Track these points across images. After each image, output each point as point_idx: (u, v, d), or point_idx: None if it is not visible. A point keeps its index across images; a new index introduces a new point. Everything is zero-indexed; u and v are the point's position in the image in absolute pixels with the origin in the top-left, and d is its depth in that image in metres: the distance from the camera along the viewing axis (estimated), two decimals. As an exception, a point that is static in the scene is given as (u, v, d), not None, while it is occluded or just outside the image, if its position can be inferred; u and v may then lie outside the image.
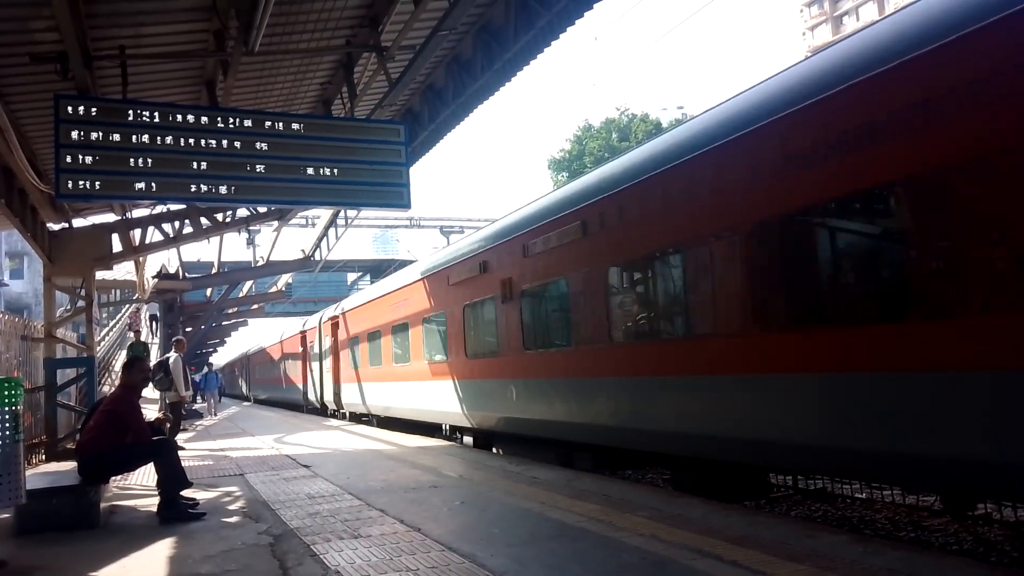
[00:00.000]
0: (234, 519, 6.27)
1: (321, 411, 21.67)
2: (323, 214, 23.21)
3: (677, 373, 6.58)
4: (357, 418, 18.44)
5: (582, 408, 8.02)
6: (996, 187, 4.14)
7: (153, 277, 22.86)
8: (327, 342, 20.04)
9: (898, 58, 4.66)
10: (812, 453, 5.28)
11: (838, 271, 5.37)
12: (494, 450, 10.95)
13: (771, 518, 5.27)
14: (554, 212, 8.48)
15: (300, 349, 23.65)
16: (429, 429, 13.60)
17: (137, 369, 7.11)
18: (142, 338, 26.64)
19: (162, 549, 5.32)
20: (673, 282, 7.08)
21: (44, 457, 11.21)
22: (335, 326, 19.24)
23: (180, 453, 7.55)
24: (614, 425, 7.45)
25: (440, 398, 12.01)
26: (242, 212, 15.65)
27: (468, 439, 11.83)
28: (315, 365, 21.65)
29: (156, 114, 7.52)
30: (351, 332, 17.74)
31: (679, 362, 6.58)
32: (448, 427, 12.84)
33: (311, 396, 22.32)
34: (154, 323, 28.30)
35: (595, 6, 8.61)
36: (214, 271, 25.25)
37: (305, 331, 23.15)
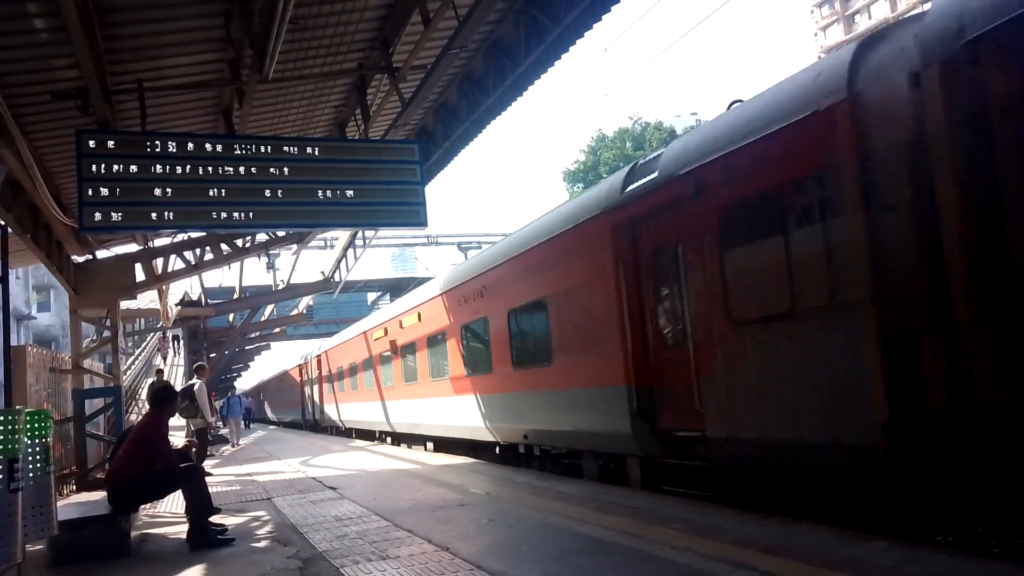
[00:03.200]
0: (263, 544, 6.27)
1: (312, 428, 28.45)
2: (341, 235, 23.34)
3: (483, 391, 11.59)
4: (337, 431, 24.34)
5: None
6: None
7: (176, 304, 23.12)
8: (315, 373, 26.95)
9: None
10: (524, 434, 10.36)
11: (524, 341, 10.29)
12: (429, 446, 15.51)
13: (807, 526, 5.16)
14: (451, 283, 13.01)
15: (298, 379, 31.08)
16: (440, 445, 14.98)
17: (166, 398, 7.19)
18: (168, 358, 27.15)
19: (193, 576, 5.33)
20: (480, 337, 11.71)
21: (75, 487, 11.31)
22: (319, 360, 26.09)
23: (208, 479, 7.58)
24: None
25: (383, 413, 17.71)
26: (261, 237, 15.79)
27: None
28: (307, 390, 28.73)
29: (175, 144, 7.63)
30: (332, 365, 23.85)
31: (481, 386, 11.64)
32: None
33: (306, 416, 29.55)
34: (177, 342, 28.89)
35: (604, 18, 8.65)
36: (236, 296, 25.48)
37: (302, 364, 29.98)
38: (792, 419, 5.51)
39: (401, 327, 15.63)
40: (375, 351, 18.14)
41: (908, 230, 4.68)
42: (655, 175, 7.05)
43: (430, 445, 15.43)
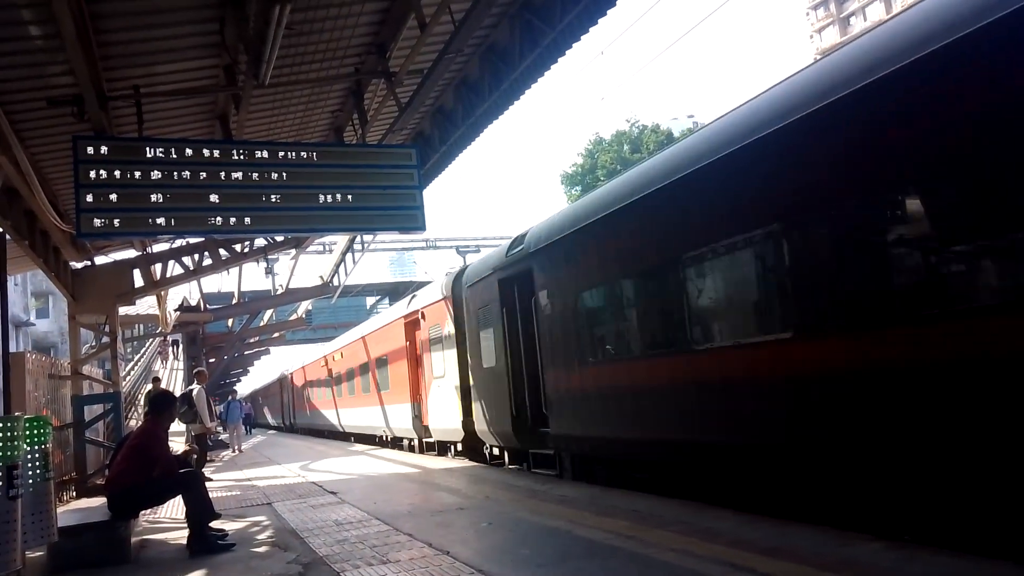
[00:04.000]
0: (263, 549, 6.27)
1: (290, 429, 35.82)
2: (340, 240, 23.36)
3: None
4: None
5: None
6: None
7: (175, 310, 23.12)
8: (289, 386, 34.99)
9: None
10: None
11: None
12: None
13: (803, 528, 5.17)
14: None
15: (278, 391, 38.67)
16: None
17: (165, 404, 7.19)
18: (168, 362, 27.19)
19: (192, 582, 5.33)
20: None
21: (74, 493, 11.30)
22: (291, 376, 33.97)
23: (208, 484, 7.58)
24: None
25: (334, 418, 24.63)
26: (260, 242, 15.80)
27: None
28: (284, 399, 36.85)
29: (171, 150, 7.63)
30: (304, 380, 30.56)
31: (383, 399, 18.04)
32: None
33: (285, 420, 36.99)
34: (176, 347, 29.00)
35: (599, 22, 8.66)
36: (234, 301, 25.47)
37: (281, 379, 37.84)
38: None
39: (338, 357, 23.47)
40: (320, 376, 26.43)
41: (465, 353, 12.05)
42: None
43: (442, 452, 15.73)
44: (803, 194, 5.41)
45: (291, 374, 34.35)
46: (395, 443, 17.97)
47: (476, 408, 11.64)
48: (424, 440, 15.21)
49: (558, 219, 9.32)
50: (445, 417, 13.18)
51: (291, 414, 35.57)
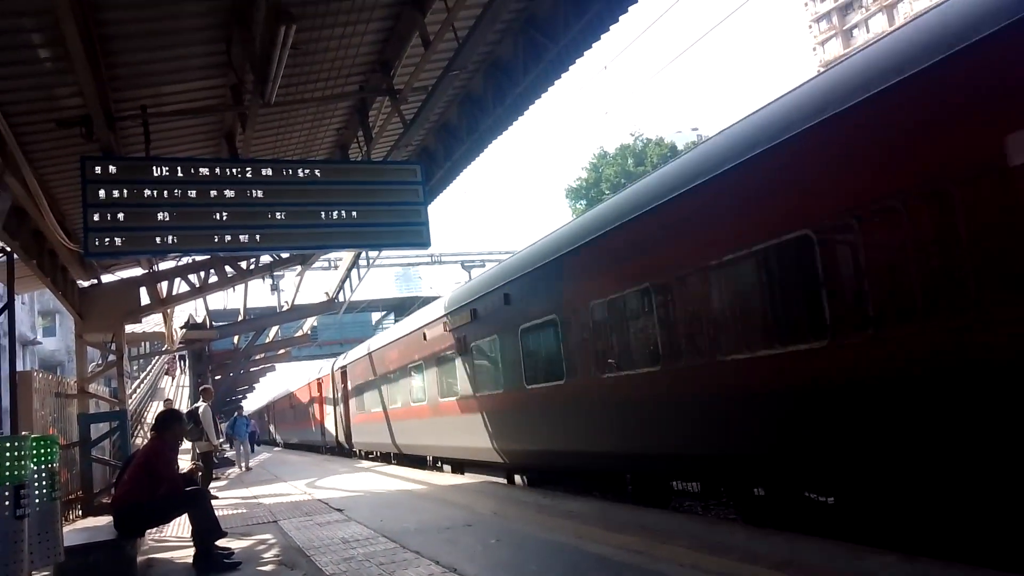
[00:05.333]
0: (269, 567, 6.24)
1: (272, 443, 42.67)
2: (345, 256, 23.41)
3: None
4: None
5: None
6: None
7: (181, 328, 23.15)
8: (274, 409, 41.99)
9: None
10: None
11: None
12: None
13: (814, 541, 5.13)
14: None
15: (266, 414, 45.71)
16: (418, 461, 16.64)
17: (172, 423, 7.20)
18: (176, 379, 27.32)
19: (199, 601, 5.30)
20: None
21: (81, 512, 11.29)
22: (278, 402, 40.24)
23: (213, 502, 7.56)
24: None
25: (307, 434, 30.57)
26: (265, 259, 15.85)
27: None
28: (267, 418, 44.92)
29: (178, 169, 7.68)
30: (278, 407, 39.93)
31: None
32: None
33: (271, 435, 43.62)
34: (183, 362, 29.02)
35: (602, 36, 8.70)
36: (240, 318, 25.49)
37: (268, 405, 45.24)
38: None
39: (316, 390, 27.27)
40: (291, 404, 33.56)
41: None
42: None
43: (447, 468, 15.61)
44: None
45: (273, 401, 41.24)
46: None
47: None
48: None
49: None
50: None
51: (275, 430, 39.96)
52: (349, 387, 21.44)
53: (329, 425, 25.00)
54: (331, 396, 24.29)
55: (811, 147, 5.38)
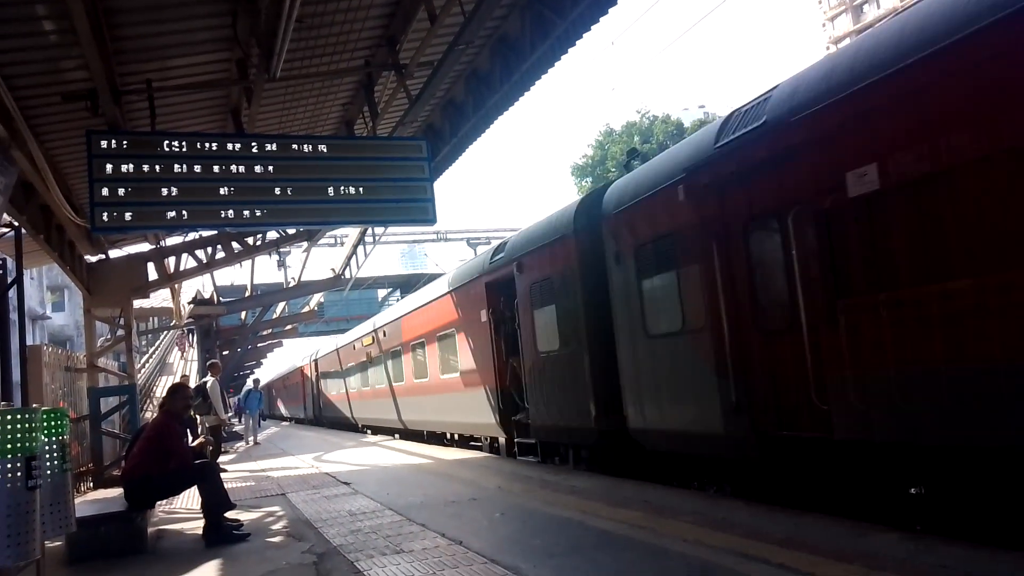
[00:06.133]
0: (278, 539, 6.33)
1: (269, 416, 46.40)
2: (351, 233, 23.42)
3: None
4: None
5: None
6: None
7: (189, 303, 23.27)
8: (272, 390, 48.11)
9: None
10: None
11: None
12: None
13: (818, 519, 5.16)
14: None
15: (273, 390, 49.53)
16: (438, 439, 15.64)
17: (179, 396, 7.25)
18: (185, 354, 27.70)
19: (209, 572, 5.39)
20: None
21: (92, 485, 11.44)
22: (271, 384, 48.10)
23: (222, 475, 7.66)
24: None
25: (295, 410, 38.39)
26: (272, 235, 15.87)
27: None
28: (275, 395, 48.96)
29: (184, 144, 7.66)
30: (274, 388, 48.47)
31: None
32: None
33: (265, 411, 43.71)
34: (191, 336, 29.23)
35: (610, 11, 8.60)
36: (247, 294, 25.58)
37: (272, 381, 49.39)
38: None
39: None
40: (285, 383, 40.47)
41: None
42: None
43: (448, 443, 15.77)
44: None
45: (269, 382, 50.84)
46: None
47: None
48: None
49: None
50: None
51: (270, 405, 49.19)
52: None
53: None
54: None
55: None
